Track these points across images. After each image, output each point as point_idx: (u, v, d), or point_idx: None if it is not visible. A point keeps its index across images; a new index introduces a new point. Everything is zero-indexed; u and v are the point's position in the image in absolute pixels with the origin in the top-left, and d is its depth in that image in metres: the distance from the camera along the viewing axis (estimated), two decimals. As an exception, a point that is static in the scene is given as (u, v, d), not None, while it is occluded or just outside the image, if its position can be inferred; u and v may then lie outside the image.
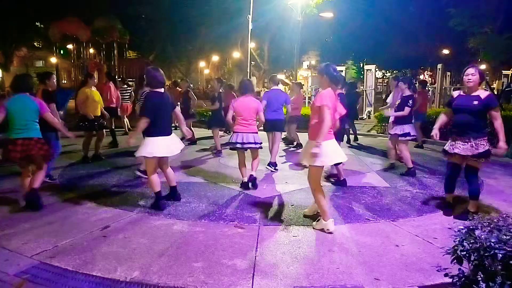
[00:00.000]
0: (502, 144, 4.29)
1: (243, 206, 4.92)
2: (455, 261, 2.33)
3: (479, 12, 21.24)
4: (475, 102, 4.29)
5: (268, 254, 3.55)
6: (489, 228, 2.32)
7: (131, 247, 3.64)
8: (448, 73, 18.57)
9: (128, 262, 3.33)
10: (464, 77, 4.39)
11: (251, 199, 5.20)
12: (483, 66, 28.28)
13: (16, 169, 6.49)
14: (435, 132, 4.68)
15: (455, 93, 4.66)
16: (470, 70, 4.35)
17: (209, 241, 3.80)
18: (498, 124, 4.32)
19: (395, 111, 6.63)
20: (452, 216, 4.56)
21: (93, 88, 7.52)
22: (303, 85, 10.57)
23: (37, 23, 22.26)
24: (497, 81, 24.70)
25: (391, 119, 7.01)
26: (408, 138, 6.54)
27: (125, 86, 11.42)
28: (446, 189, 4.85)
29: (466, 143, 4.33)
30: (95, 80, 7.95)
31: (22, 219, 4.29)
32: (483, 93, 4.38)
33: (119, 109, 10.22)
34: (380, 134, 12.07)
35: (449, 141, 4.57)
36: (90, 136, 7.49)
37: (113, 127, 9.40)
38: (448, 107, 4.70)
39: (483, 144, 4.28)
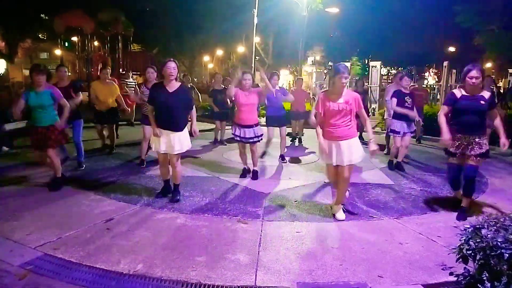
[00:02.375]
0: (504, 140, 4.32)
1: (246, 201, 4.92)
2: (460, 260, 2.32)
3: (486, 9, 21.06)
4: (482, 102, 4.29)
5: (271, 250, 3.55)
6: (495, 227, 2.30)
7: (135, 240, 3.65)
8: (454, 71, 18.42)
9: (131, 255, 3.34)
10: (467, 79, 4.28)
11: (255, 194, 5.20)
12: (488, 64, 28.13)
13: (19, 159, 6.54)
14: (448, 137, 4.38)
15: (457, 92, 4.48)
16: (475, 73, 4.23)
17: (213, 236, 3.80)
18: (499, 121, 4.42)
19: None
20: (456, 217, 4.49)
21: (107, 82, 7.44)
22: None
23: (41, 15, 22.18)
24: (503, 79, 24.54)
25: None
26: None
27: (130, 79, 11.41)
28: (453, 187, 4.82)
29: (471, 143, 4.33)
30: (107, 74, 7.60)
31: (26, 210, 4.30)
32: (485, 93, 4.38)
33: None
34: (385, 131, 12.03)
35: (452, 142, 4.48)
36: (101, 128, 7.62)
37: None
38: (449, 105, 4.50)
39: (485, 143, 4.35)
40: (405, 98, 6.62)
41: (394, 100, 6.65)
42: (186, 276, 3.03)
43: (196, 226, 4.03)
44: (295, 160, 7.44)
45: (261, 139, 5.96)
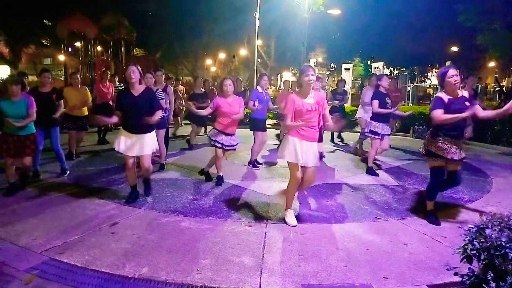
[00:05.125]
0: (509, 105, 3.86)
1: (250, 203, 4.92)
2: (464, 260, 2.32)
3: (489, 8, 20.97)
4: (467, 103, 4.07)
5: (275, 252, 3.55)
6: (499, 227, 2.30)
7: (139, 243, 3.66)
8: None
9: (136, 259, 3.35)
10: (447, 79, 4.04)
11: (259, 197, 5.20)
12: (491, 63, 28.04)
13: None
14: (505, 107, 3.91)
15: (444, 96, 4.12)
16: (453, 71, 4.05)
17: (217, 238, 3.81)
18: (489, 111, 4.46)
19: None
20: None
21: (79, 87, 7.35)
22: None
23: (44, 21, 22.31)
24: (506, 78, 24.45)
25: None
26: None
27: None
28: (434, 196, 4.46)
29: (459, 147, 4.17)
30: (78, 79, 7.45)
31: (31, 215, 4.33)
32: (464, 92, 4.24)
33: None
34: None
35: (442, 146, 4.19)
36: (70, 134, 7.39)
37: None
38: (442, 108, 4.07)
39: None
40: (385, 99, 6.46)
41: (376, 102, 6.42)
42: (191, 279, 3.04)
43: (200, 229, 4.04)
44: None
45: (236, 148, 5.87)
